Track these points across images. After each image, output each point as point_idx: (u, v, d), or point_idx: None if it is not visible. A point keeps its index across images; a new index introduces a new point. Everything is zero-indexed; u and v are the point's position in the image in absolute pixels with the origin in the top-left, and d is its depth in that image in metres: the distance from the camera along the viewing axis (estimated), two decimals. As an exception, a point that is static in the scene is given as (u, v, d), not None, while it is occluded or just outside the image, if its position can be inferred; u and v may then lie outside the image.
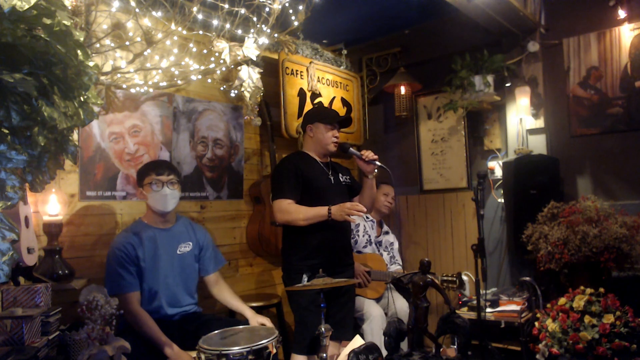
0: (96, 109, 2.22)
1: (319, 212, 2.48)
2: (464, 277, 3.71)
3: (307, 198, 2.56)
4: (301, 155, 2.72)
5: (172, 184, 2.47)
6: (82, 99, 1.41)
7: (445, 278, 2.93)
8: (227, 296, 2.65)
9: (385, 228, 3.73)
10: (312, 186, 2.58)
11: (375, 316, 3.13)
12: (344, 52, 4.19)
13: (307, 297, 2.48)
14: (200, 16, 2.60)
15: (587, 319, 2.56)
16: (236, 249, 3.40)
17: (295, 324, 2.59)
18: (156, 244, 2.45)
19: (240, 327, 2.24)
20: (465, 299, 3.61)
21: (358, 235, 3.49)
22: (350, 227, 2.82)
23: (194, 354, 1.98)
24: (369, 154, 2.58)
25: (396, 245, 3.72)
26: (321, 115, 2.73)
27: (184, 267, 2.55)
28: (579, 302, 2.63)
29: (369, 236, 3.52)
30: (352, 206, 2.41)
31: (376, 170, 2.66)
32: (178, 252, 2.53)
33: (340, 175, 2.76)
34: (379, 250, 3.57)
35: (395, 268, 3.58)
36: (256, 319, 2.49)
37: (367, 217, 3.58)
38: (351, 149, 2.62)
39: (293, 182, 2.54)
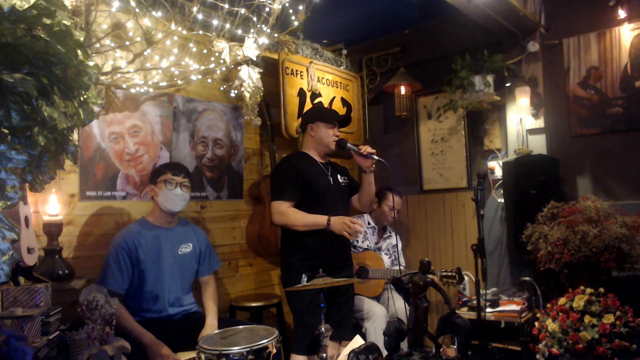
0: (96, 109, 2.23)
1: (317, 220, 2.49)
2: (465, 278, 3.72)
3: (306, 199, 2.56)
4: (301, 155, 2.72)
5: (185, 187, 2.53)
6: (82, 99, 1.41)
7: (444, 274, 2.91)
8: (206, 297, 2.65)
9: (387, 233, 3.71)
10: (312, 187, 2.58)
11: (379, 315, 3.13)
12: (344, 52, 4.18)
13: (306, 297, 2.48)
14: (200, 16, 2.60)
15: (587, 319, 2.56)
16: (236, 249, 3.40)
17: (295, 324, 2.59)
18: (159, 244, 2.48)
19: (241, 327, 2.24)
20: (465, 299, 3.61)
21: (357, 241, 3.48)
22: None
23: (194, 353, 1.98)
24: (366, 148, 2.59)
25: (400, 245, 3.70)
26: (322, 114, 2.75)
27: (184, 267, 2.58)
28: (579, 302, 2.63)
29: (369, 242, 3.52)
30: (351, 224, 2.42)
31: (374, 166, 2.67)
32: (179, 252, 2.56)
33: (339, 176, 2.76)
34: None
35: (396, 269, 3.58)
36: (209, 329, 2.43)
37: (369, 223, 3.57)
38: (349, 144, 2.65)
39: (293, 184, 2.55)
